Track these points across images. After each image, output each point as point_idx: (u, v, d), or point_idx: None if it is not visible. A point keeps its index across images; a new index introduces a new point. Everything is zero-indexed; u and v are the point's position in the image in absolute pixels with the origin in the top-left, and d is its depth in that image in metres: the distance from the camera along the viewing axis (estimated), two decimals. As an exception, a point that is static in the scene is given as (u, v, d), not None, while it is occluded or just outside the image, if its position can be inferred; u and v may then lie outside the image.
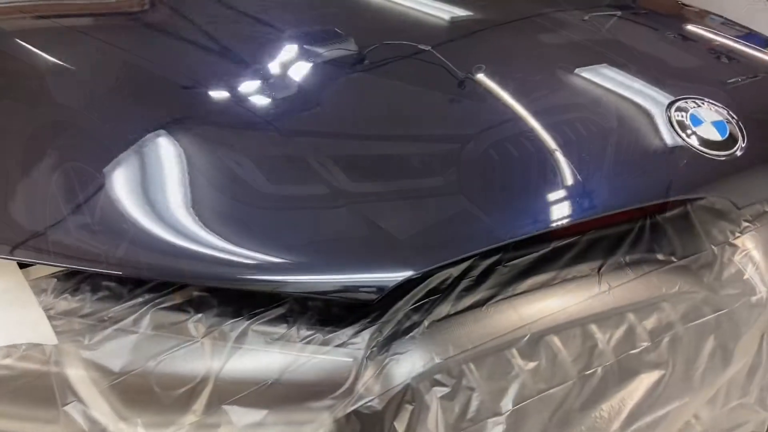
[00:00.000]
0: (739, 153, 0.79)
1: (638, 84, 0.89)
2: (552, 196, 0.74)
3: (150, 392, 0.65)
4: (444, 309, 0.72)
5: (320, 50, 0.92)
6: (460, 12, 1.07)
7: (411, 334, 0.69)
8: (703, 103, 0.83)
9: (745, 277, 0.82)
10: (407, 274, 0.64)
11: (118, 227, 0.67)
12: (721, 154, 0.78)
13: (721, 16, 1.28)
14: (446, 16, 1.06)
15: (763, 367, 0.88)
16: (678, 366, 0.76)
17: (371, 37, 0.97)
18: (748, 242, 0.85)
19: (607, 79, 0.90)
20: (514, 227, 0.72)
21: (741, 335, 0.80)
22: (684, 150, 0.78)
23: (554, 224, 0.72)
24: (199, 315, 0.69)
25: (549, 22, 1.09)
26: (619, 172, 0.75)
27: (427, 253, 0.67)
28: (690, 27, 1.15)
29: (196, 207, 0.68)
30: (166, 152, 0.73)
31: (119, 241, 0.67)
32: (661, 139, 0.79)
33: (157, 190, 0.69)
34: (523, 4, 1.16)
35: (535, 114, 0.83)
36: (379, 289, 0.64)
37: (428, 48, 0.91)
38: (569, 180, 0.74)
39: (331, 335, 0.68)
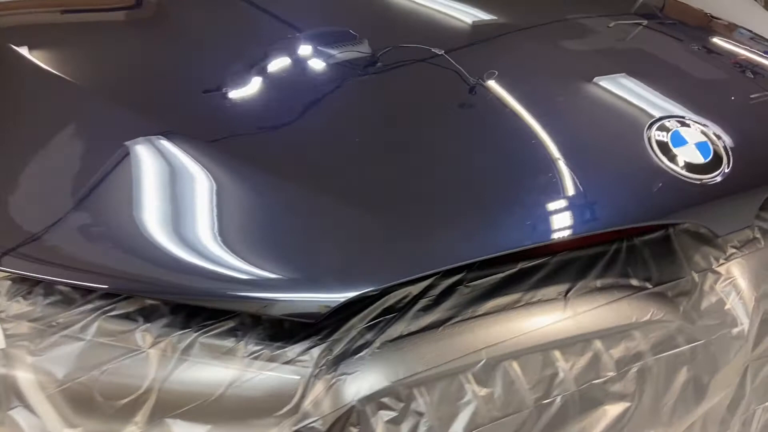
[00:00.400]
0: (720, 178, 0.74)
1: (645, 97, 0.85)
2: (519, 217, 0.71)
3: (93, 401, 0.65)
4: (398, 329, 0.69)
5: (332, 51, 0.91)
6: (481, 16, 1.05)
7: (361, 354, 0.67)
8: (689, 123, 0.79)
9: (726, 307, 0.78)
10: (350, 294, 0.62)
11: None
12: (702, 178, 0.74)
13: (750, 31, 1.22)
14: (465, 20, 1.03)
15: (746, 401, 0.84)
16: (645, 398, 0.73)
17: (386, 39, 0.95)
18: (734, 270, 0.81)
19: (613, 92, 0.87)
20: (476, 247, 0.69)
21: (718, 369, 0.76)
22: (661, 172, 0.74)
23: (519, 246, 0.69)
24: (148, 325, 0.68)
25: (571, 27, 1.06)
26: (588, 194, 0.72)
27: (378, 272, 0.65)
28: (715, 40, 1.10)
29: (146, 220, 0.67)
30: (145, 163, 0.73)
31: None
32: (638, 159, 0.75)
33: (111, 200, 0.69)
34: (546, 9, 1.13)
35: (524, 128, 0.80)
36: (323, 308, 0.62)
37: (441, 52, 0.89)
38: (538, 200, 0.71)
39: (279, 351, 0.67)
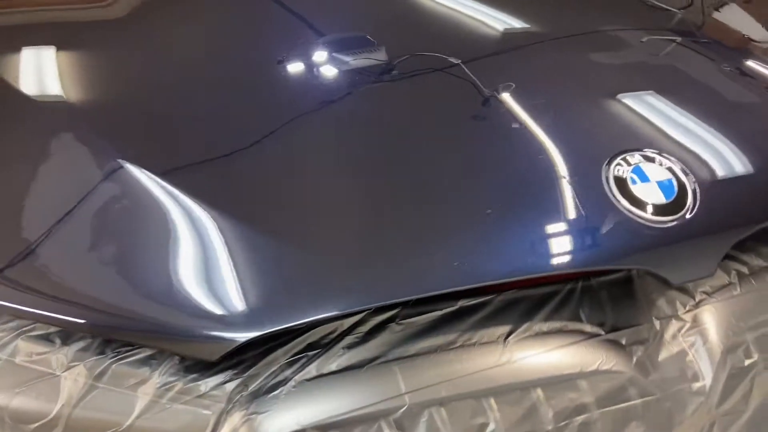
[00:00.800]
0: (677, 222, 0.68)
1: (641, 123, 0.80)
2: (449, 254, 0.66)
3: (2, 425, 0.64)
4: (319, 367, 0.66)
5: (347, 58, 0.88)
6: (509, 25, 1.00)
7: (275, 392, 0.64)
8: (655, 157, 0.72)
9: (688, 358, 0.72)
10: (252, 334, 0.59)
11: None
12: (659, 220, 0.68)
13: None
14: (490, 29, 0.99)
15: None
16: (586, 455, 0.67)
17: (403, 46, 0.92)
18: (702, 318, 0.74)
19: (615, 113, 0.82)
20: (404, 286, 0.65)
21: (673, 426, 0.70)
22: (612, 212, 0.68)
23: (447, 288, 0.65)
24: (65, 348, 0.66)
25: (600, 40, 1.00)
26: (524, 234, 0.66)
27: (289, 310, 0.61)
28: (750, 63, 1.02)
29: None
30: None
31: None
32: (589, 196, 0.69)
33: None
34: (576, 20, 1.07)
35: (495, 154, 0.76)
36: (221, 347, 0.59)
37: (458, 62, 0.85)
38: (471, 237, 0.67)
39: (193, 384, 0.64)
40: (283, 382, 0.65)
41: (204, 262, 0.63)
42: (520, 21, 1.03)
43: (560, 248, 0.66)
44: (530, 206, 0.68)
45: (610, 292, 0.74)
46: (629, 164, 0.70)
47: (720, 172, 0.74)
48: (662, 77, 0.93)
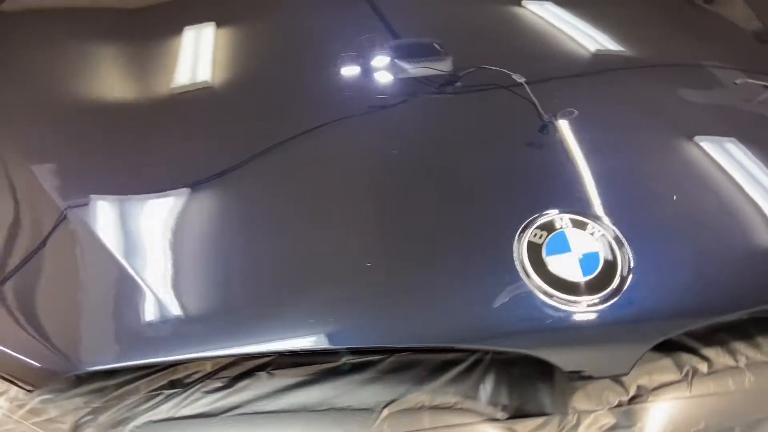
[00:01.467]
0: (589, 306, 0.56)
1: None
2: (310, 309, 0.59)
3: None
4: (171, 408, 0.61)
5: (408, 66, 0.84)
6: (590, 49, 0.92)
7: (118, 428, 0.61)
8: (589, 222, 0.60)
9: (606, 462, 0.60)
10: (77, 370, 0.55)
11: None
12: (570, 301, 0.56)
13: None
14: (570, 49, 0.92)
15: None
16: None
17: (471, 57, 0.86)
18: (634, 418, 0.62)
19: (642, 167, 0.73)
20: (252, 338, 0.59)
21: None
22: (516, 284, 0.58)
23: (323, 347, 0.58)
24: None
25: (685, 75, 0.90)
26: (408, 294, 0.58)
27: (128, 349, 0.57)
28: None
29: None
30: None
31: None
32: (494, 263, 0.59)
33: None
34: (666, 50, 0.96)
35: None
36: (39, 381, 0.56)
37: (522, 81, 0.78)
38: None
39: (44, 405, 0.62)
40: (129, 419, 0.61)
41: (55, 292, 0.61)
42: (599, 44, 0.93)
43: (445, 319, 0.57)
44: (419, 260, 0.60)
45: (523, 371, 0.64)
46: (551, 229, 0.59)
47: (673, 251, 0.61)
48: (723, 128, 0.79)
